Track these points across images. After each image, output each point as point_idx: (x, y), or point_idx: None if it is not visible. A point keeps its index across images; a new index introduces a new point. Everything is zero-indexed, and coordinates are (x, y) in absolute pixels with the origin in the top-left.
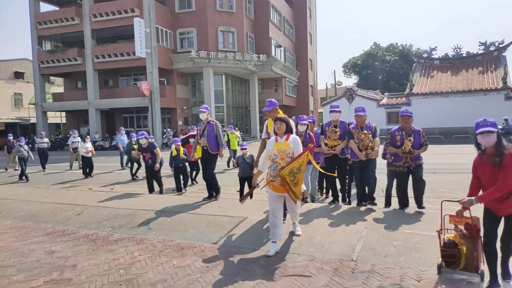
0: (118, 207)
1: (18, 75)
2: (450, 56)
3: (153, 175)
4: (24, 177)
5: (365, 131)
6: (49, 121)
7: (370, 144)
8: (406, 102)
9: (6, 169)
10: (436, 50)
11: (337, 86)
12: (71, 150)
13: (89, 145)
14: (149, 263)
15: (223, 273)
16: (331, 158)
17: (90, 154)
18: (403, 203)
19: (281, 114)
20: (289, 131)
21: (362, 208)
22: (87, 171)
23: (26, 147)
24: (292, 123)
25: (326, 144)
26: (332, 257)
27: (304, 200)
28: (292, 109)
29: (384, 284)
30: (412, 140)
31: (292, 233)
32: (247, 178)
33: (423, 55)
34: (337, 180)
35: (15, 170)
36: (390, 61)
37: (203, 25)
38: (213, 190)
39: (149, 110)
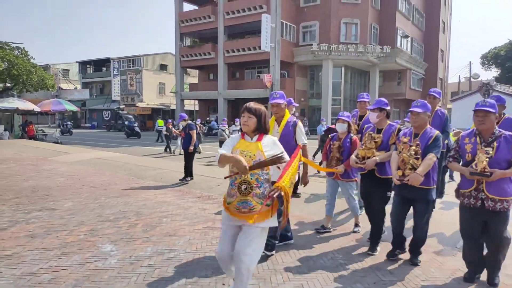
0: None
1: (163, 67)
2: None
3: (187, 156)
4: None
5: (405, 139)
6: (185, 108)
7: (410, 161)
8: None
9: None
10: None
11: (472, 79)
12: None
13: None
14: None
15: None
16: (367, 176)
17: None
18: (471, 263)
19: (288, 114)
20: (261, 130)
21: (396, 264)
22: None
23: (227, 131)
24: (268, 121)
25: (357, 155)
26: (434, 243)
27: (356, 229)
28: None
29: None
30: (493, 152)
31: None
32: None
33: None
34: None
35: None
36: None
37: (326, 17)
38: None
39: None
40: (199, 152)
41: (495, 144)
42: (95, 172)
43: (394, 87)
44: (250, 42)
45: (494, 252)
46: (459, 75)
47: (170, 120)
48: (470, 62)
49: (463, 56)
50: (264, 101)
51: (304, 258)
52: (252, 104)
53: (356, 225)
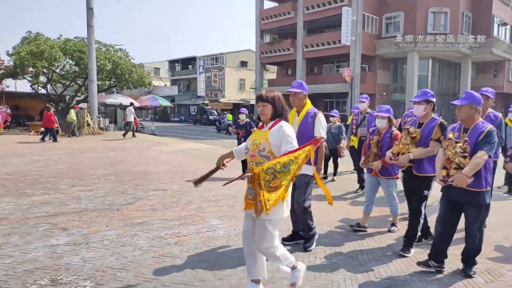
0: None
1: (243, 64)
2: None
3: None
4: None
5: (451, 135)
6: None
7: (456, 160)
8: None
9: None
10: None
11: None
12: None
13: None
14: None
15: None
16: (406, 173)
17: None
18: None
19: (308, 105)
20: (278, 115)
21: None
22: None
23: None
24: (284, 104)
25: (392, 151)
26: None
27: (392, 227)
28: None
29: None
30: None
31: None
32: (329, 150)
33: None
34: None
35: None
36: None
37: (412, 7)
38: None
39: (348, 95)
40: None
41: None
42: (191, 160)
43: (490, 80)
44: (330, 37)
45: None
46: None
47: None
48: None
49: None
50: (343, 95)
51: (351, 252)
52: (263, 92)
53: (393, 224)
